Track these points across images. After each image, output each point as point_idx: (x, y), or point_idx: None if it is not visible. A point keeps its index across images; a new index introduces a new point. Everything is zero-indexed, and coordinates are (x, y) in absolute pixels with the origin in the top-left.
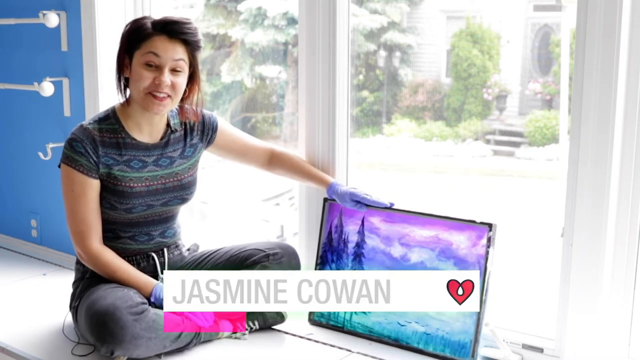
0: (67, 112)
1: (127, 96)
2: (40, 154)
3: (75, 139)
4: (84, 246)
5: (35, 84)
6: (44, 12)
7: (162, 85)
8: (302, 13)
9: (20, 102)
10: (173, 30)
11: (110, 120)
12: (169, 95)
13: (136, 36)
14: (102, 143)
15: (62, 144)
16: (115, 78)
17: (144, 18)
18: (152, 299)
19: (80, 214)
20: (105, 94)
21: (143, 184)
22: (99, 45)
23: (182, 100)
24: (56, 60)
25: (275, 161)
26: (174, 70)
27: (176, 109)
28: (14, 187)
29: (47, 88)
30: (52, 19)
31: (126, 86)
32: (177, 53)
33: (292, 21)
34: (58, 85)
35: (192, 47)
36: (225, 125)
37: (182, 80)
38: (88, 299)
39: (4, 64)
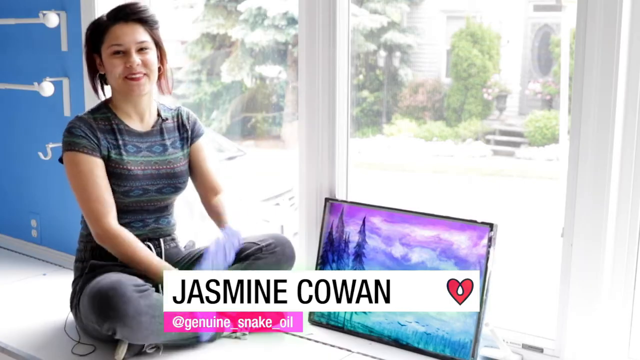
0: (67, 112)
1: (107, 92)
2: (40, 154)
3: (74, 126)
4: (103, 224)
5: (35, 84)
6: (44, 12)
7: (133, 67)
8: (302, 13)
9: (20, 102)
10: (125, 14)
11: (103, 110)
12: (144, 74)
13: (97, 33)
14: (98, 129)
15: (60, 144)
16: (89, 79)
17: (100, 17)
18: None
19: (93, 193)
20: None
21: (139, 167)
22: None
23: (159, 77)
24: (56, 60)
25: (212, 207)
26: (140, 50)
27: (166, 106)
28: (14, 187)
29: (47, 88)
30: (52, 19)
31: (106, 83)
32: (137, 34)
33: (292, 21)
34: (58, 85)
35: (149, 23)
36: (204, 144)
37: (151, 56)
38: (90, 285)
39: (4, 64)
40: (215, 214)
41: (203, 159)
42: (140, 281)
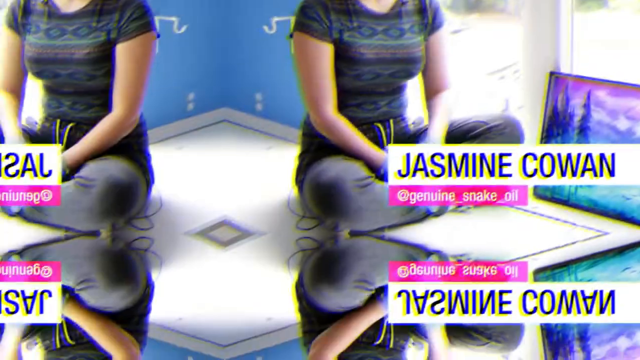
0: None
1: None
2: (265, 28)
3: (307, 5)
4: (321, 112)
5: None
6: None
7: None
8: None
9: None
10: None
11: None
12: None
13: None
14: (332, 9)
15: (286, 17)
16: None
17: None
18: (381, 171)
19: (315, 80)
20: None
21: (372, 51)
22: None
23: None
24: None
25: (429, 104)
26: None
27: None
28: (239, 62)
29: None
30: None
31: None
32: None
33: None
34: None
35: None
36: (443, 36)
37: None
38: (313, 171)
39: None
40: (429, 114)
41: (437, 52)
42: (362, 174)
